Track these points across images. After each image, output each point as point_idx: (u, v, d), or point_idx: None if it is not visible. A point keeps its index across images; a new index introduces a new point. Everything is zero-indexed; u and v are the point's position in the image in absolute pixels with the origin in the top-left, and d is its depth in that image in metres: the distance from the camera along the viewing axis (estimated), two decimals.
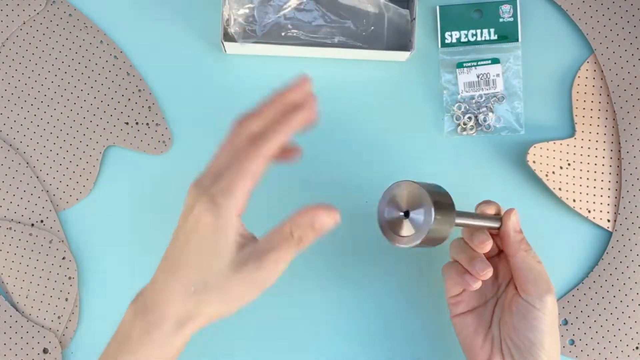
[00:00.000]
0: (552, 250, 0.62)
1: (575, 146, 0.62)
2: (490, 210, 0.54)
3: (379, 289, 0.62)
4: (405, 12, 0.60)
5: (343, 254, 0.62)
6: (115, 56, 0.62)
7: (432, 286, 0.62)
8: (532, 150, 0.60)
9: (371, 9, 0.61)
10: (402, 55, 0.61)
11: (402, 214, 0.50)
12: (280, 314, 0.61)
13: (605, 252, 0.61)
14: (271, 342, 0.61)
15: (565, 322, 0.61)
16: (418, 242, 0.49)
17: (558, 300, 0.61)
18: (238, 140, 0.45)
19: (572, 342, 0.61)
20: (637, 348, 0.61)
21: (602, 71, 0.62)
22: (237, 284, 0.43)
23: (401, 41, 0.62)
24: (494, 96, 0.60)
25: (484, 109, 0.61)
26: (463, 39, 0.59)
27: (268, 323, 0.61)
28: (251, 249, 0.43)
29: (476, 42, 0.58)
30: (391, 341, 0.62)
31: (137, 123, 0.61)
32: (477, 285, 0.52)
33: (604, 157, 0.62)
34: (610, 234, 0.62)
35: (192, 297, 0.43)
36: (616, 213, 0.61)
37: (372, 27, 0.62)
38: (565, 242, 0.62)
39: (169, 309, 0.43)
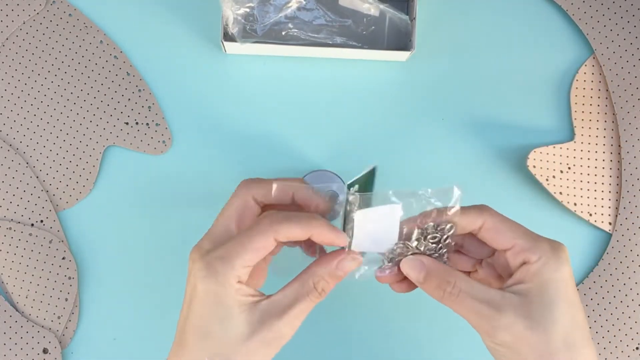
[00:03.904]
0: None
1: (575, 150, 0.62)
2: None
3: (381, 289, 0.62)
4: (404, 17, 0.60)
5: None
6: (115, 56, 0.62)
7: None
8: (532, 155, 0.60)
9: (371, 12, 0.61)
10: (402, 55, 0.61)
11: None
12: None
13: (605, 253, 0.61)
14: None
15: None
16: None
17: None
18: (241, 202, 0.43)
19: None
20: (637, 348, 0.61)
21: (601, 73, 0.62)
22: (257, 345, 0.40)
23: (401, 41, 0.62)
24: None
25: None
26: None
27: None
28: (265, 306, 0.41)
29: None
30: (392, 343, 0.62)
31: (137, 123, 0.61)
32: None
33: (604, 160, 0.62)
34: (611, 235, 0.62)
35: None
36: (616, 214, 0.61)
37: (373, 27, 0.62)
38: (565, 244, 0.61)
39: None
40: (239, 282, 0.41)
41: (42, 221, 0.61)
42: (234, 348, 0.40)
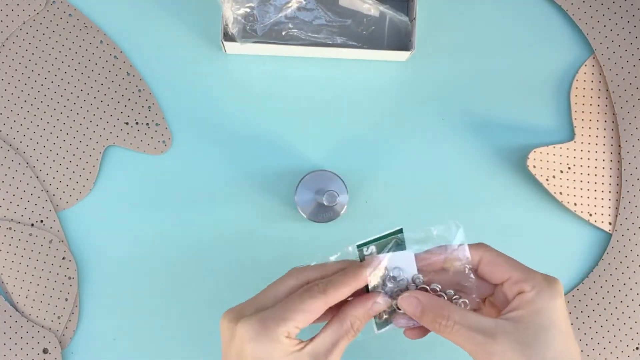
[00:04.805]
0: (552, 252, 0.62)
1: (575, 150, 0.62)
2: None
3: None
4: (404, 18, 0.60)
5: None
6: (115, 56, 0.62)
7: None
8: (532, 155, 0.60)
9: (371, 12, 0.61)
10: (402, 55, 0.61)
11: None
12: None
13: (605, 253, 0.61)
14: None
15: None
16: None
17: None
18: (295, 282, 0.45)
19: None
20: (637, 348, 0.61)
21: (601, 73, 0.62)
22: None
23: (401, 41, 0.62)
24: None
25: None
26: None
27: None
28: (311, 349, 0.43)
29: None
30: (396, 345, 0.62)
31: (137, 123, 0.61)
32: None
33: (604, 160, 0.62)
34: (611, 235, 0.62)
35: None
36: (617, 214, 0.61)
37: (373, 27, 0.62)
38: (565, 244, 0.62)
39: None
40: (287, 337, 0.43)
41: (42, 221, 0.61)
42: None
